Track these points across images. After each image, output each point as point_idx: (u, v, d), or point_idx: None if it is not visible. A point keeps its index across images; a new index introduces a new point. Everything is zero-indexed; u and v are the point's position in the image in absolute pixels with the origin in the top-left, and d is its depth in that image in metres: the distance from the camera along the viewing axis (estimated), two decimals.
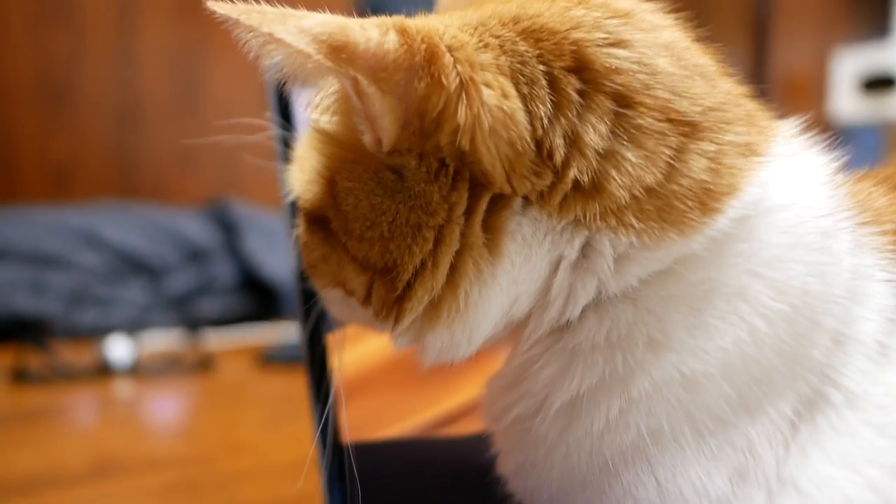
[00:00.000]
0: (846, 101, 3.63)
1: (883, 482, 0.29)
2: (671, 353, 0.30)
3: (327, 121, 0.34)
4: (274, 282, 1.42)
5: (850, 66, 3.58)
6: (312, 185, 0.34)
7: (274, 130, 0.51)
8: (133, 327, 1.15)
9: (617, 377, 0.31)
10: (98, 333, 1.11)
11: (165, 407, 0.94)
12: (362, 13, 0.34)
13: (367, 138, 0.31)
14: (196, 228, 1.47)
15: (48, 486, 0.67)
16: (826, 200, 0.32)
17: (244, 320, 1.41)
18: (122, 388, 0.98)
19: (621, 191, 0.29)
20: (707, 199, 0.30)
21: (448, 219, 0.30)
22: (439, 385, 0.53)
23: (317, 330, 0.50)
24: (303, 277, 0.51)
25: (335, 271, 0.35)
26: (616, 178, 0.29)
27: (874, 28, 3.97)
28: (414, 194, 0.31)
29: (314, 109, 0.34)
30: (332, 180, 0.33)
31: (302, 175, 0.35)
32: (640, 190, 0.29)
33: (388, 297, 0.32)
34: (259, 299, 1.45)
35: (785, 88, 3.68)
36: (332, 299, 0.38)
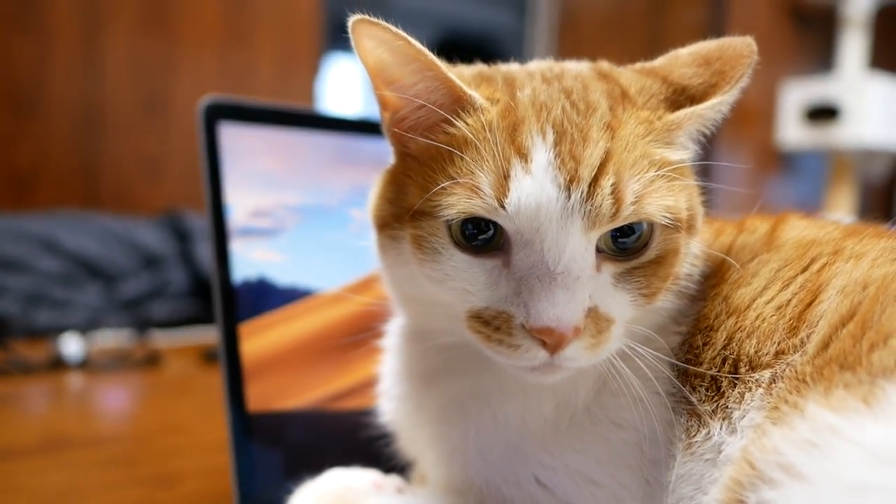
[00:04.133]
0: (792, 130, 3.78)
1: None
2: None
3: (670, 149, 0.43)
4: None
5: (796, 97, 3.73)
6: (681, 196, 0.42)
7: (203, 161, 0.63)
8: (87, 327, 1.24)
9: None
10: (54, 332, 1.20)
11: (113, 396, 1.03)
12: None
13: None
14: (152, 237, 1.55)
15: (2, 458, 0.76)
16: None
17: (194, 322, 1.49)
18: (74, 381, 1.07)
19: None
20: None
21: None
22: (333, 367, 0.64)
23: (231, 321, 0.61)
24: (223, 275, 0.62)
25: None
26: None
27: (820, 62, 4.15)
28: None
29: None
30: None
31: (672, 198, 0.41)
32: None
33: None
34: (208, 303, 1.52)
35: (735, 117, 3.88)
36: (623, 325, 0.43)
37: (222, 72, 2.17)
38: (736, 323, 0.43)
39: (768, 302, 0.43)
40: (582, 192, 0.38)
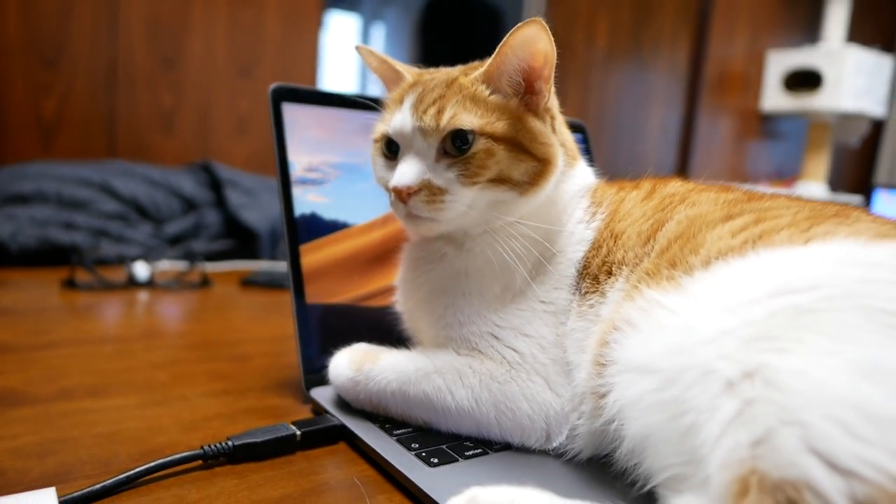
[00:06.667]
0: (775, 97, 3.98)
1: None
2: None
3: (490, 93, 0.67)
4: (250, 227, 1.74)
5: (780, 65, 3.93)
6: (497, 122, 0.65)
7: (273, 136, 0.88)
8: (144, 259, 1.50)
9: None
10: (119, 263, 1.46)
11: (178, 307, 1.29)
12: None
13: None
14: (189, 184, 1.78)
15: (111, 342, 1.01)
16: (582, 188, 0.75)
17: (228, 257, 1.73)
18: (145, 296, 1.32)
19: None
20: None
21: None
22: (362, 276, 0.91)
23: (295, 243, 0.88)
24: (288, 211, 0.88)
25: (503, 169, 0.65)
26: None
27: (805, 33, 4.32)
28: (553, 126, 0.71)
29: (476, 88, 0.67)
30: (518, 118, 0.66)
31: (479, 119, 0.64)
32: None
33: (539, 174, 0.67)
34: (239, 241, 1.76)
35: (720, 82, 4.07)
36: (463, 198, 0.65)
37: (231, 30, 2.28)
38: (614, 243, 0.66)
39: (635, 229, 0.65)
40: (419, 119, 0.65)
